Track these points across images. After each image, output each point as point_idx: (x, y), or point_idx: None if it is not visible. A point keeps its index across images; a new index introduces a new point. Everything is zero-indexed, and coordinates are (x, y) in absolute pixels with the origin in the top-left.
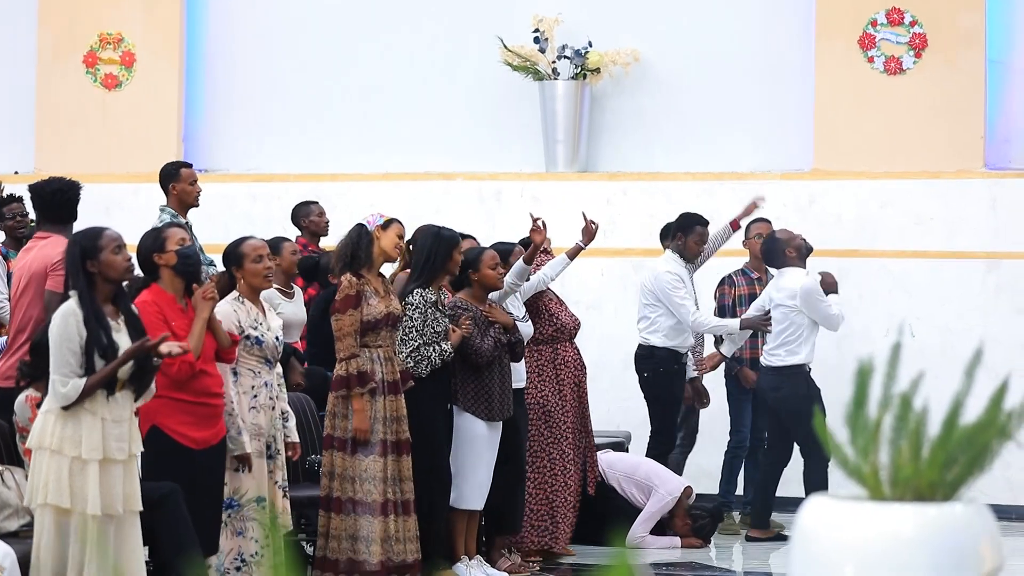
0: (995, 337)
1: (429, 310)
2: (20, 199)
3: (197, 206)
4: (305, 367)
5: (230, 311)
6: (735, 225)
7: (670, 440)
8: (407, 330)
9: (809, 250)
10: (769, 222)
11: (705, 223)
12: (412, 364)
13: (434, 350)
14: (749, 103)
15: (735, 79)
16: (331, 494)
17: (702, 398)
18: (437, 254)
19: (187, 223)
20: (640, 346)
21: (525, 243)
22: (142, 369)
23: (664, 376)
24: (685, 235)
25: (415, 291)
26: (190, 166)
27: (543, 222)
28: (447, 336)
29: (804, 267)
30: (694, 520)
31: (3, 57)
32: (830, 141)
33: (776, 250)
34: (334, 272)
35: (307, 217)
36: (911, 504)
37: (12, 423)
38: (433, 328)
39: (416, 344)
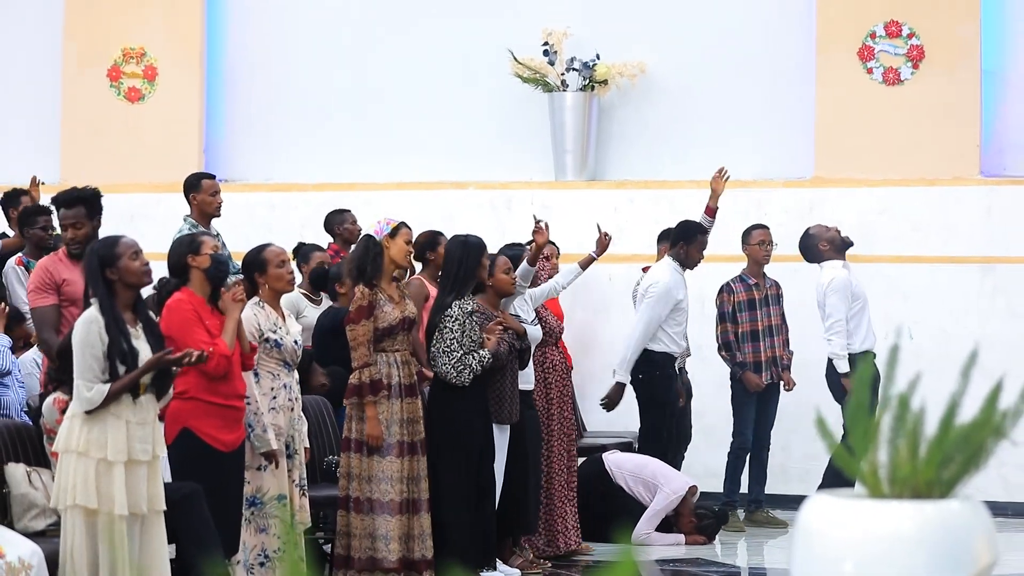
0: (991, 339)
1: (467, 320)
2: (48, 210)
3: (218, 216)
4: (328, 368)
5: (250, 315)
6: (710, 212)
7: (660, 441)
8: (448, 341)
9: (847, 243)
10: (767, 228)
11: (706, 232)
12: (455, 374)
13: (474, 358)
14: (752, 113)
15: (738, 90)
16: (349, 494)
17: (680, 396)
18: (467, 262)
19: (216, 233)
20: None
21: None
22: (162, 374)
23: (660, 379)
24: (687, 244)
25: (453, 303)
26: (212, 177)
27: (545, 223)
28: (483, 344)
29: (842, 259)
30: (699, 519)
31: (30, 71)
32: (830, 150)
33: (811, 246)
34: (343, 281)
35: (341, 225)
36: (909, 502)
37: (40, 425)
38: (471, 337)
39: (459, 355)
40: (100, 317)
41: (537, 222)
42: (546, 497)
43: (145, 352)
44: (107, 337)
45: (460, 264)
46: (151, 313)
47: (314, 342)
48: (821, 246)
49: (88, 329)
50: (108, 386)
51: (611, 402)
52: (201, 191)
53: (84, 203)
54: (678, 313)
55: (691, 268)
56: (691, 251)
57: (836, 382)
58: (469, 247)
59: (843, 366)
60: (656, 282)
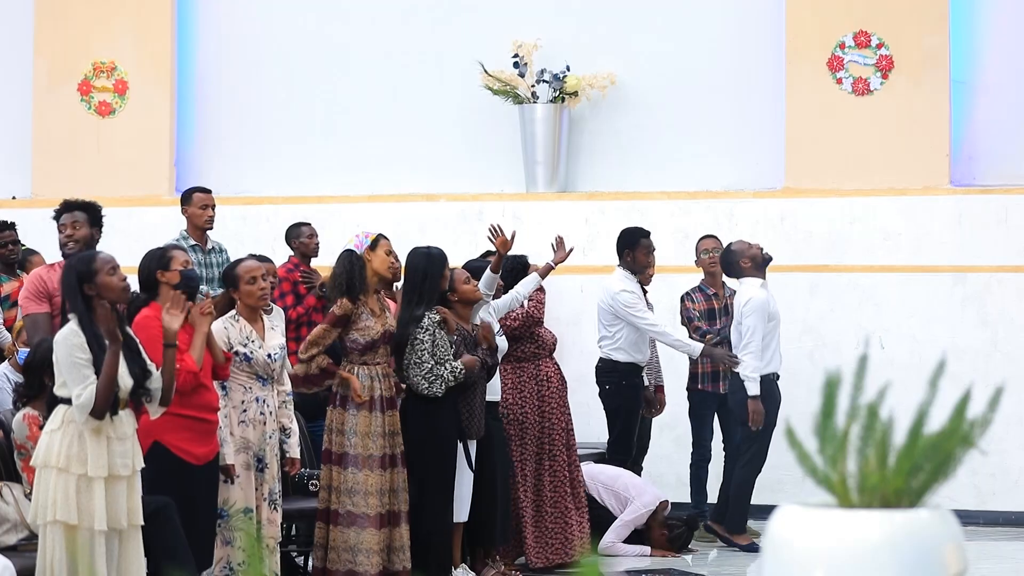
0: (961, 348)
1: (437, 331)
2: (12, 225)
3: (210, 228)
4: None
5: (221, 328)
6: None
7: (627, 449)
8: (420, 352)
9: (767, 260)
10: (717, 238)
11: (647, 234)
12: (427, 385)
13: (446, 368)
14: (722, 124)
15: (708, 101)
16: (329, 507)
17: (651, 407)
18: (431, 274)
19: (216, 246)
20: (602, 360)
21: (522, 260)
22: (139, 384)
23: (626, 388)
24: (632, 250)
25: (425, 315)
26: (205, 191)
27: (499, 226)
28: (456, 355)
29: (762, 277)
30: (670, 530)
31: (0, 86)
32: (801, 160)
33: (731, 261)
34: (330, 300)
35: (297, 239)
36: (878, 511)
37: (10, 440)
38: (441, 348)
39: (430, 365)
40: (81, 332)
41: (491, 229)
42: (553, 508)
43: (123, 368)
44: (89, 353)
45: (425, 276)
46: (128, 328)
47: None
48: (742, 263)
49: (69, 342)
50: (93, 384)
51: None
52: (192, 204)
53: (86, 210)
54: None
55: (640, 274)
56: (637, 255)
57: (741, 401)
58: (432, 258)
59: (753, 388)
60: (619, 291)
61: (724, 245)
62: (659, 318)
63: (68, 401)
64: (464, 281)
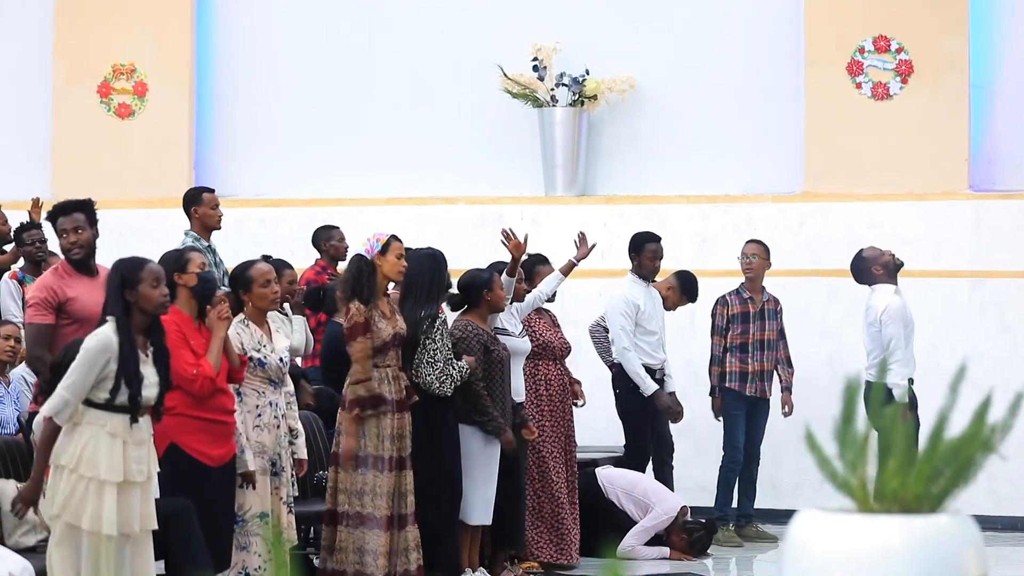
0: (980, 353)
1: (444, 330)
2: (39, 225)
3: (219, 228)
4: (315, 388)
5: (233, 334)
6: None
7: (642, 453)
8: (432, 352)
9: (898, 265)
10: (761, 243)
11: (655, 239)
12: (438, 384)
13: (454, 367)
14: (741, 128)
15: (727, 105)
16: (337, 508)
17: (672, 411)
18: (438, 274)
19: (211, 246)
20: (615, 364)
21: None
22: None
23: (636, 392)
24: (638, 255)
25: (436, 315)
26: (212, 191)
27: (512, 230)
28: (460, 355)
29: (894, 283)
30: (690, 534)
31: (21, 87)
32: (820, 164)
33: (863, 268)
34: (340, 304)
35: (328, 241)
36: (898, 516)
37: (30, 441)
38: (447, 346)
39: (442, 364)
40: (115, 337)
41: (504, 233)
42: (552, 510)
43: (151, 378)
44: (115, 364)
45: (432, 277)
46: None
47: (322, 367)
48: (875, 270)
49: (102, 351)
50: (75, 408)
51: (674, 412)
52: (203, 204)
53: (82, 210)
54: (645, 324)
55: (648, 278)
56: (642, 260)
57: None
58: (438, 260)
59: (901, 395)
60: (613, 296)
61: (756, 249)
62: (667, 323)
63: (84, 401)
64: (501, 287)
